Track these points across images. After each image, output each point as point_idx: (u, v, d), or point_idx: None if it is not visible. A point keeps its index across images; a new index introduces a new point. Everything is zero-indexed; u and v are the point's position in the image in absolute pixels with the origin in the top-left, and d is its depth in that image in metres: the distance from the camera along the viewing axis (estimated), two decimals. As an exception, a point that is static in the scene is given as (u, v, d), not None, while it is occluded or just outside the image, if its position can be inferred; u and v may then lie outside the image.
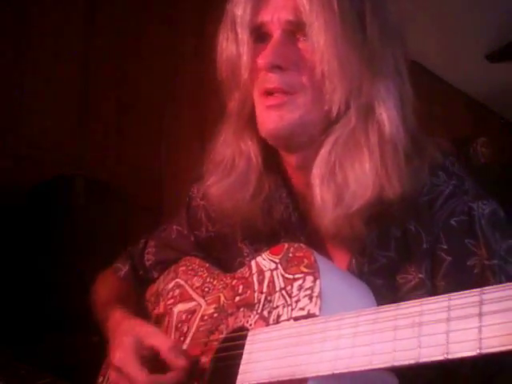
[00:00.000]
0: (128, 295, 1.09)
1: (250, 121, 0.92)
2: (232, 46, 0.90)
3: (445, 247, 0.83)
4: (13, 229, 1.76)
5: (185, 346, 0.93)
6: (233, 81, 0.91)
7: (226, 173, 0.94)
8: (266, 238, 0.95)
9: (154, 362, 0.86)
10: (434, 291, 0.82)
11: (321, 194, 0.83)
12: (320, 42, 0.82)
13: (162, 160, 2.35)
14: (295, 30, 0.85)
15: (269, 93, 0.86)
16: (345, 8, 0.83)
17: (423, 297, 0.82)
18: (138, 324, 0.94)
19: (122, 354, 0.87)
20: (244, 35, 0.88)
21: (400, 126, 0.84)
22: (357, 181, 0.81)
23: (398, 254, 0.85)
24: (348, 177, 0.82)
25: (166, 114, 2.35)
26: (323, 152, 0.84)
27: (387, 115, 0.83)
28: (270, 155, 0.94)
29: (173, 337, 0.97)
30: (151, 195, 2.27)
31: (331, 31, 0.82)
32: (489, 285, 0.78)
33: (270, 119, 0.86)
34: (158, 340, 0.88)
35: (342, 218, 0.81)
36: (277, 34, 0.86)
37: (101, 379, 1.05)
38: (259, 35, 0.88)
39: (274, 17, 0.86)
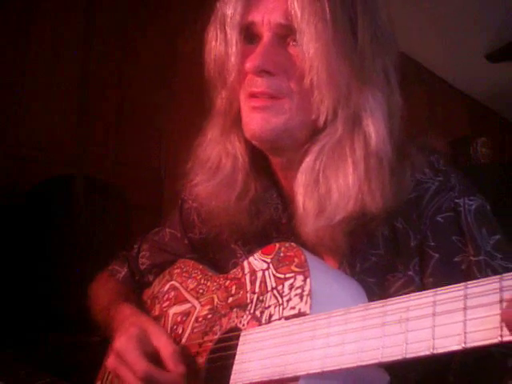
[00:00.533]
0: (129, 296, 1.09)
1: (236, 121, 0.91)
2: (221, 46, 0.89)
3: (432, 244, 0.83)
4: (13, 229, 1.76)
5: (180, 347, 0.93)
6: (220, 80, 0.90)
7: (212, 173, 0.93)
8: (257, 239, 0.95)
9: (153, 358, 0.86)
10: (422, 288, 0.81)
11: (303, 202, 0.82)
12: (310, 51, 0.80)
13: (161, 160, 2.35)
14: (286, 33, 0.83)
15: (255, 95, 0.84)
16: (337, 16, 0.81)
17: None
18: (147, 321, 0.94)
19: (125, 341, 0.86)
20: (233, 36, 0.86)
21: (386, 139, 0.82)
22: (339, 192, 0.80)
23: (387, 251, 0.86)
24: (331, 188, 0.81)
25: (165, 114, 2.35)
26: (308, 160, 0.83)
27: (374, 127, 0.82)
28: (258, 156, 0.93)
29: None
30: (151, 195, 2.27)
31: (322, 40, 0.79)
32: (476, 279, 0.80)
33: (255, 121, 0.85)
34: (162, 343, 0.87)
35: (323, 229, 0.81)
36: (267, 36, 0.84)
37: (98, 383, 1.05)
38: (248, 35, 0.87)
39: (265, 18, 0.84)
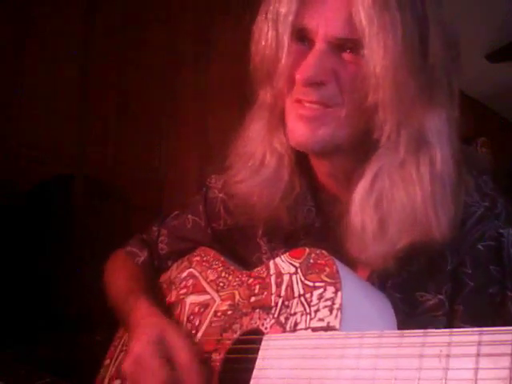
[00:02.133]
0: (148, 285, 1.07)
1: (282, 118, 0.86)
2: (271, 44, 0.82)
3: (469, 272, 0.80)
4: (13, 229, 1.76)
5: (197, 340, 0.91)
6: (267, 78, 0.85)
7: (255, 169, 0.89)
8: (284, 237, 0.93)
9: (172, 361, 0.85)
10: (451, 314, 0.80)
11: (362, 222, 0.77)
12: (377, 68, 0.73)
13: (161, 160, 2.35)
14: (343, 44, 0.77)
15: (302, 103, 0.80)
16: (409, 31, 0.74)
17: (440, 318, 0.80)
18: (165, 323, 0.90)
19: (144, 346, 0.83)
20: (285, 36, 0.80)
21: (450, 162, 0.77)
22: (403, 214, 0.75)
23: (420, 270, 0.82)
24: (396, 210, 0.76)
25: (165, 114, 2.35)
26: (365, 180, 0.78)
27: (440, 149, 0.77)
28: (302, 156, 0.89)
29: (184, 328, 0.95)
30: (151, 195, 2.27)
31: (391, 57, 0.73)
32: (509, 316, 0.75)
33: (301, 131, 0.80)
34: (181, 348, 0.84)
35: (381, 255, 0.77)
36: (320, 46, 0.77)
37: (108, 361, 1.04)
38: (300, 35, 0.81)
39: (321, 28, 0.77)
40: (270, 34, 0.82)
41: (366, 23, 0.73)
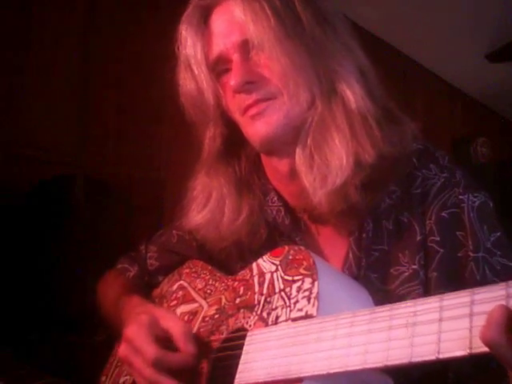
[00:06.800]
0: (138, 292, 1.09)
1: (220, 156, 1.00)
2: (191, 84, 0.96)
3: (437, 239, 0.85)
4: (13, 229, 1.76)
5: None
6: (202, 116, 0.97)
7: (202, 205, 1.00)
8: (263, 245, 0.97)
9: (165, 343, 0.86)
10: (426, 282, 0.84)
11: (306, 178, 0.87)
12: (267, 49, 0.87)
13: (161, 160, 2.35)
14: (248, 47, 0.90)
15: (250, 106, 0.90)
16: (277, 9, 0.88)
17: (416, 288, 0.85)
18: (155, 307, 0.96)
19: (136, 328, 0.87)
20: (201, 71, 0.94)
21: (365, 97, 0.88)
22: (332, 156, 0.85)
23: (391, 246, 0.87)
24: (325, 155, 0.86)
25: (165, 114, 2.35)
26: (300, 140, 0.89)
27: (350, 90, 0.88)
28: (250, 173, 1.01)
29: None
30: (151, 195, 2.27)
31: (272, 34, 0.86)
32: (473, 276, 0.81)
33: (259, 127, 0.90)
34: (173, 323, 0.88)
35: (333, 193, 0.85)
36: (235, 57, 0.90)
37: (103, 378, 1.05)
38: (221, 68, 0.93)
39: (227, 44, 0.91)
40: (187, 77, 0.96)
41: (245, 18, 0.88)
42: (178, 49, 0.99)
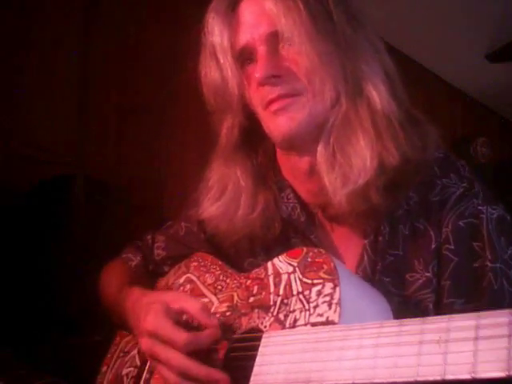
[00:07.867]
0: (140, 281, 1.09)
1: (236, 147, 0.98)
2: (215, 73, 0.94)
3: (452, 248, 0.84)
4: (13, 229, 1.76)
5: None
6: (224, 105, 0.95)
7: (217, 196, 0.99)
8: (275, 240, 0.97)
9: (183, 324, 0.85)
10: (438, 290, 0.84)
11: (327, 177, 0.86)
12: (297, 44, 0.87)
13: (162, 160, 2.35)
14: (276, 39, 0.89)
15: (273, 101, 0.89)
16: (310, 5, 0.87)
17: (429, 295, 0.84)
18: (162, 293, 0.96)
19: (155, 319, 0.84)
20: (226, 60, 0.92)
21: (390, 99, 0.88)
22: (356, 156, 0.85)
23: (406, 251, 0.87)
24: (348, 155, 0.85)
25: (165, 114, 2.35)
26: (322, 138, 0.88)
27: (375, 91, 0.87)
28: (266, 168, 1.00)
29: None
30: (151, 195, 2.26)
31: (303, 29, 0.86)
32: (491, 287, 0.79)
33: (282, 123, 0.89)
34: (185, 303, 0.87)
35: (354, 193, 0.84)
36: (262, 48, 0.90)
37: (105, 368, 1.05)
38: (246, 58, 0.92)
39: (254, 34, 0.90)
40: (212, 66, 0.94)
41: (277, 12, 0.87)
42: (205, 36, 0.97)
